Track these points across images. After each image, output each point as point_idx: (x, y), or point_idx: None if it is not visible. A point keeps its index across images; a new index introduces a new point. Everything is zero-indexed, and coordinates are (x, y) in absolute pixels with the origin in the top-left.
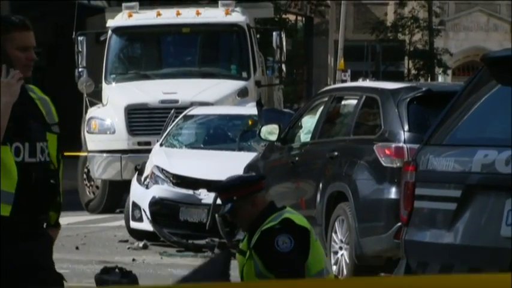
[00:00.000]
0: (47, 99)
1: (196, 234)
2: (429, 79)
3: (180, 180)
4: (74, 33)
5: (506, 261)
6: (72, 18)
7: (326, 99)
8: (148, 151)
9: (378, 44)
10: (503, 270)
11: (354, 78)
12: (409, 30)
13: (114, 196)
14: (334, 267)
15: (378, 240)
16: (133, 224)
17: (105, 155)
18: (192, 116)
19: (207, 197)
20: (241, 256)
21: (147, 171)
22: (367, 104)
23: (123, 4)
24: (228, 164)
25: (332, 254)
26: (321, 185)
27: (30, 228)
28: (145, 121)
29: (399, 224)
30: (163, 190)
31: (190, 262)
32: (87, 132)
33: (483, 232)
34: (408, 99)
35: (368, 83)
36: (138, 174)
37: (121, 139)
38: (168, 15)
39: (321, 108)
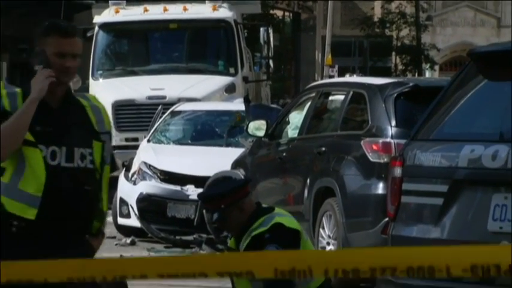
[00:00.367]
0: (100, 108)
1: (184, 230)
2: (416, 74)
3: (168, 176)
4: None
5: None
6: (59, 14)
7: (313, 94)
8: (136, 147)
9: (365, 39)
10: None
11: (341, 73)
12: (396, 25)
13: None
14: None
15: (365, 236)
16: (121, 220)
17: None
18: (179, 112)
19: (194, 193)
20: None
21: (134, 167)
22: (354, 99)
23: (110, 0)
24: (216, 159)
25: (319, 249)
26: (308, 181)
27: (60, 236)
28: (132, 117)
29: (386, 219)
30: (151, 186)
31: None
32: None
33: (470, 227)
34: (395, 95)
35: (355, 79)
36: (125, 170)
37: None
38: (155, 11)
39: (309, 103)
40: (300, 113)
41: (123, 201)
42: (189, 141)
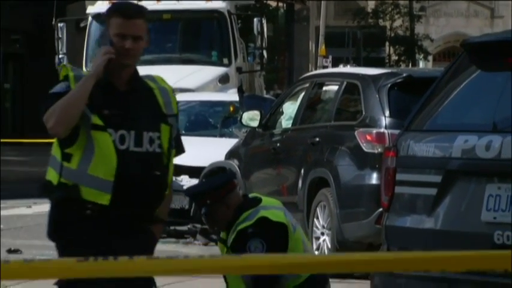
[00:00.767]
0: (168, 89)
1: (178, 220)
2: (410, 65)
3: None
4: (54, 20)
5: (487, 246)
6: (52, 5)
7: (307, 85)
8: None
9: (359, 30)
10: None
11: (335, 64)
12: (390, 16)
13: None
14: (316, 253)
15: (359, 226)
16: None
17: None
18: None
19: (188, 183)
20: (222, 245)
21: None
22: (348, 90)
23: None
24: (210, 150)
25: (314, 240)
26: (302, 171)
27: (130, 222)
28: None
29: (380, 209)
30: None
31: (172, 248)
32: None
33: (464, 217)
34: (389, 85)
35: (349, 69)
36: None
37: None
38: (148, 2)
39: (302, 94)
40: (294, 104)
41: None
42: (183, 132)
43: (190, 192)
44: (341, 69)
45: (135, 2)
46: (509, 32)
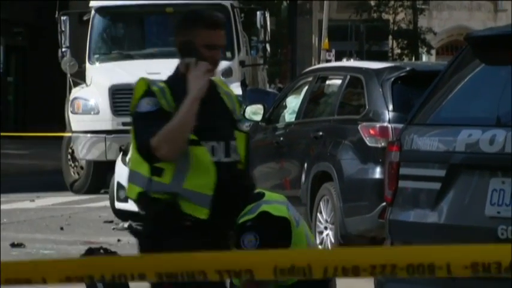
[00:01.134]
0: (231, 93)
1: None
2: (413, 58)
3: None
4: (57, 13)
5: (491, 240)
6: None
7: (310, 79)
8: None
9: (362, 23)
10: None
11: (338, 58)
12: (393, 9)
13: (99, 177)
14: (320, 247)
15: (362, 220)
16: (118, 205)
17: (89, 135)
18: None
19: None
20: None
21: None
22: (351, 83)
23: None
24: None
25: (317, 234)
26: (305, 165)
27: (222, 232)
28: (129, 101)
29: (384, 203)
30: None
31: None
32: (71, 112)
33: (467, 211)
34: (392, 79)
35: (352, 63)
36: (122, 154)
37: (105, 119)
38: None
39: (306, 88)
40: (297, 98)
41: (120, 186)
42: None
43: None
44: (344, 63)
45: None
46: None
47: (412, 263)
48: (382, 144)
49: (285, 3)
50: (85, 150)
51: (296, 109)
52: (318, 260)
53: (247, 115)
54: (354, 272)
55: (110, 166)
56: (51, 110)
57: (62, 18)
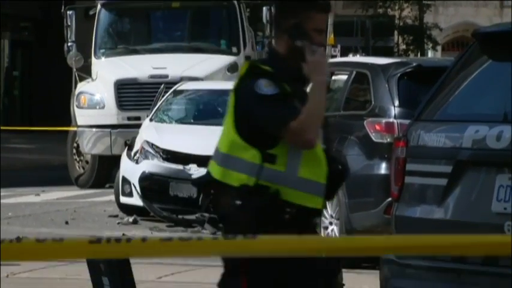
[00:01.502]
0: None
1: (186, 209)
2: (419, 54)
3: (170, 155)
4: (63, 7)
5: None
6: None
7: None
8: (138, 126)
9: (368, 19)
10: None
11: (343, 53)
12: (399, 5)
13: (104, 171)
14: None
15: (368, 216)
16: (123, 199)
17: (94, 129)
18: (181, 91)
19: (197, 172)
20: None
21: (137, 146)
22: (357, 79)
23: None
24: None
25: (322, 229)
26: None
27: (314, 221)
28: (134, 96)
29: (389, 199)
30: (153, 165)
31: None
32: (77, 107)
33: (474, 208)
34: (398, 75)
35: (358, 59)
36: (128, 149)
37: (110, 114)
38: None
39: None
40: None
41: (125, 180)
42: (192, 121)
43: (196, 181)
44: (350, 58)
45: None
46: None
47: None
48: (388, 139)
49: None
50: (90, 145)
51: None
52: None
53: None
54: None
55: (115, 161)
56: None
57: (68, 12)
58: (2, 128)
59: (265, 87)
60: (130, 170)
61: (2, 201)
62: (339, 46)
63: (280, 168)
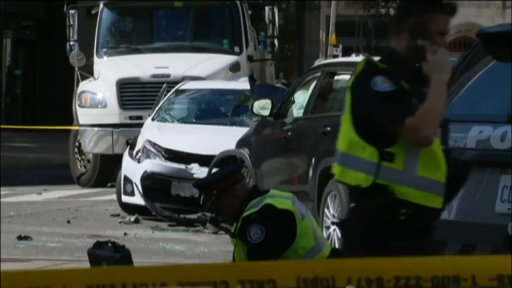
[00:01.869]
0: None
1: (188, 208)
2: None
3: (172, 155)
4: (65, 6)
5: (501, 237)
6: None
7: (319, 74)
8: (140, 125)
9: (370, 19)
10: (497, 246)
11: (345, 53)
12: None
13: (106, 170)
14: (328, 242)
15: None
16: (125, 198)
17: (96, 129)
18: (184, 91)
19: (199, 171)
20: (232, 239)
21: (138, 146)
22: None
23: None
24: (220, 138)
25: (324, 229)
26: (313, 160)
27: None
28: (137, 95)
29: None
30: (155, 164)
31: (182, 236)
32: (79, 106)
33: (478, 208)
34: None
35: (361, 58)
36: (129, 148)
37: (112, 113)
38: None
39: (314, 83)
40: (305, 93)
41: (127, 179)
42: (194, 120)
43: (197, 183)
44: (353, 58)
45: None
46: None
47: (437, 275)
48: None
49: None
50: (92, 144)
51: (304, 104)
52: (342, 270)
53: (255, 110)
54: (378, 283)
55: (117, 160)
56: (59, 103)
57: (70, 11)
58: (3, 126)
59: (382, 83)
60: (132, 169)
61: (3, 200)
62: (340, 46)
63: (398, 167)
